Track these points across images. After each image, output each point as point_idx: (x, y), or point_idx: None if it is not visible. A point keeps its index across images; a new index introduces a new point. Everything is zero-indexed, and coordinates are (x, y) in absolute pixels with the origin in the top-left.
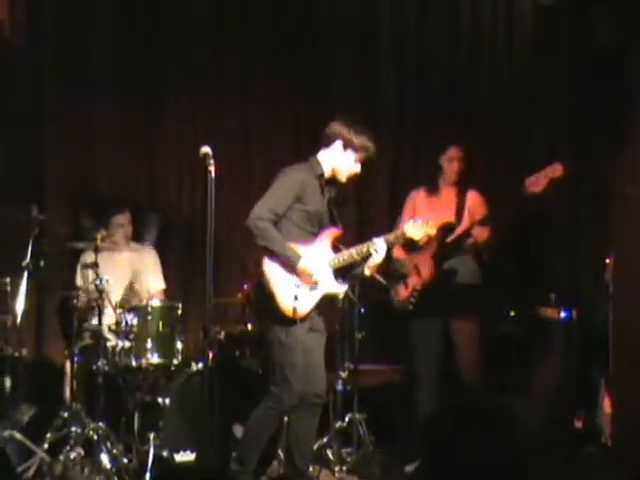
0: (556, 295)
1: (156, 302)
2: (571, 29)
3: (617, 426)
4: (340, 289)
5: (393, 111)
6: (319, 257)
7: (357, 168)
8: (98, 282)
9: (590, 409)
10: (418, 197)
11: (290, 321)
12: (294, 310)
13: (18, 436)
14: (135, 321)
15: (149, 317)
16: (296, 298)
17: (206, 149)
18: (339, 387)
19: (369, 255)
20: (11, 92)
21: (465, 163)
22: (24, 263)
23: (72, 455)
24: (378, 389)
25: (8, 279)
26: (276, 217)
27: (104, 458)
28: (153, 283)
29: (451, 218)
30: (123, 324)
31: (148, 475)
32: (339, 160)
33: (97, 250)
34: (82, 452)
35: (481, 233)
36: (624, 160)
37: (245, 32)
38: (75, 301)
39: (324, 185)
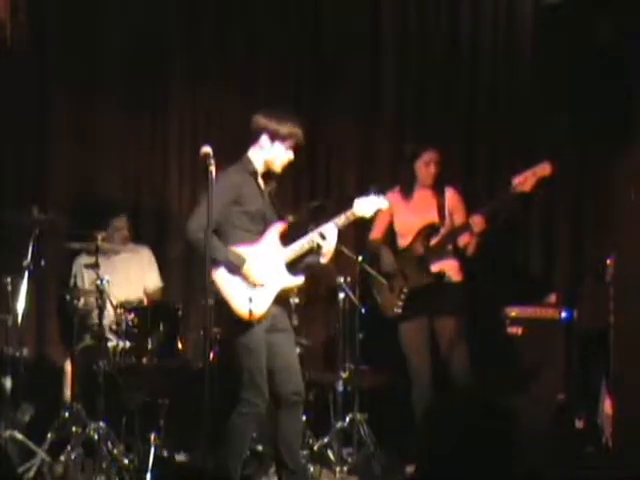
0: (557, 295)
1: (157, 302)
2: (572, 29)
3: (617, 426)
4: (296, 282)
5: (392, 110)
6: (267, 255)
7: (290, 156)
8: (99, 283)
9: (590, 409)
10: (394, 198)
11: (248, 324)
12: (250, 312)
13: (19, 436)
14: (135, 321)
15: (149, 317)
16: (250, 300)
17: (207, 149)
18: (340, 387)
19: (319, 242)
20: (13, 93)
21: (441, 166)
22: (25, 263)
23: (73, 455)
24: (379, 389)
25: (9, 279)
26: (215, 225)
27: (105, 458)
28: (150, 281)
29: (433, 219)
30: (123, 324)
31: (149, 475)
32: (269, 153)
33: (97, 251)
34: (83, 452)
35: (464, 238)
36: (625, 161)
37: (247, 32)
38: (75, 302)
39: (261, 182)
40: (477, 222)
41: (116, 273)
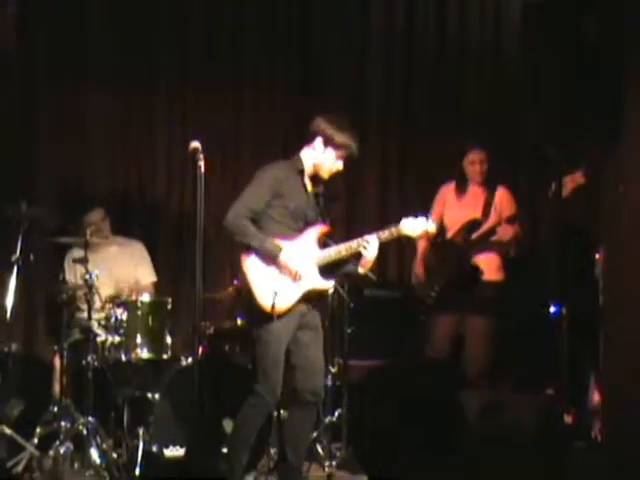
0: (545, 290)
1: (146, 297)
2: (560, 28)
3: (606, 421)
4: (326, 285)
5: (380, 109)
6: (302, 252)
7: (338, 165)
8: (87, 277)
9: (580, 404)
10: (448, 192)
11: (270, 317)
12: (273, 306)
13: (7, 431)
14: (125, 316)
15: (139, 312)
16: (275, 294)
17: (195, 144)
18: (329, 382)
19: (359, 252)
20: (1, 90)
21: (487, 164)
22: (13, 258)
23: (62, 450)
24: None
25: None
26: (253, 214)
27: (94, 453)
28: (144, 276)
29: (477, 215)
30: (113, 319)
31: (137, 470)
32: (320, 157)
33: (86, 245)
34: (72, 447)
35: (506, 231)
36: (614, 158)
37: (236, 30)
38: (64, 296)
39: (307, 182)
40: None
41: (106, 267)
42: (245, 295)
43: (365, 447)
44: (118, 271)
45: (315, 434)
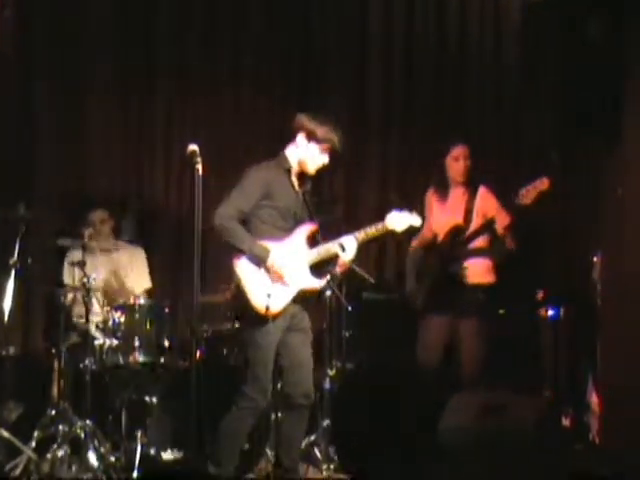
0: (544, 293)
1: (143, 300)
2: (560, 27)
3: (605, 424)
4: (316, 284)
5: (380, 110)
6: (292, 252)
7: (324, 159)
8: (85, 280)
9: (578, 407)
10: (432, 197)
11: (263, 319)
12: (267, 308)
13: (5, 434)
14: (122, 319)
15: (136, 315)
16: (269, 296)
17: (193, 147)
18: (326, 385)
19: (338, 253)
20: (0, 91)
21: (471, 161)
22: (11, 261)
23: (59, 453)
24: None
25: None
26: (242, 215)
27: (91, 456)
28: (139, 282)
29: (459, 220)
30: (110, 322)
31: (135, 473)
32: (304, 153)
33: (85, 248)
34: (69, 450)
35: (503, 219)
36: (614, 159)
37: (236, 30)
38: (62, 299)
39: (294, 180)
40: (498, 219)
41: (103, 270)
42: (237, 295)
43: (350, 448)
44: (115, 275)
45: (313, 437)
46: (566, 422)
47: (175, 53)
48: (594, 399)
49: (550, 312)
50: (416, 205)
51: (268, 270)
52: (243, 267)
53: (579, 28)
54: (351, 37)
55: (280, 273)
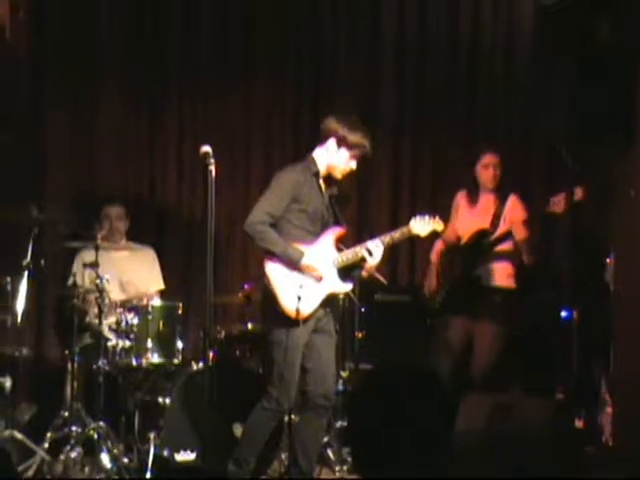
0: (557, 295)
1: (156, 301)
2: (574, 30)
3: (618, 426)
4: (345, 288)
5: (393, 109)
6: (322, 255)
7: (352, 165)
8: (98, 281)
9: (591, 409)
10: (461, 200)
11: (293, 322)
12: (297, 311)
13: (18, 436)
14: (135, 320)
15: (149, 317)
16: (299, 298)
17: (206, 148)
18: (340, 387)
19: (365, 257)
20: (12, 92)
21: (501, 169)
22: (24, 263)
23: (72, 455)
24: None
25: (9, 279)
26: (273, 219)
27: (104, 458)
28: (151, 284)
29: (486, 225)
30: (123, 323)
31: (148, 475)
32: (333, 157)
33: (97, 249)
34: (82, 452)
35: (521, 231)
36: (627, 162)
37: (247, 31)
38: (75, 300)
39: (322, 183)
40: (518, 230)
41: (117, 272)
42: (265, 297)
43: (363, 449)
44: (126, 276)
45: (326, 439)
46: (579, 424)
47: (187, 51)
48: (607, 401)
49: (563, 314)
50: (427, 205)
51: (303, 270)
52: (274, 270)
53: (592, 30)
54: (363, 37)
55: (317, 271)
